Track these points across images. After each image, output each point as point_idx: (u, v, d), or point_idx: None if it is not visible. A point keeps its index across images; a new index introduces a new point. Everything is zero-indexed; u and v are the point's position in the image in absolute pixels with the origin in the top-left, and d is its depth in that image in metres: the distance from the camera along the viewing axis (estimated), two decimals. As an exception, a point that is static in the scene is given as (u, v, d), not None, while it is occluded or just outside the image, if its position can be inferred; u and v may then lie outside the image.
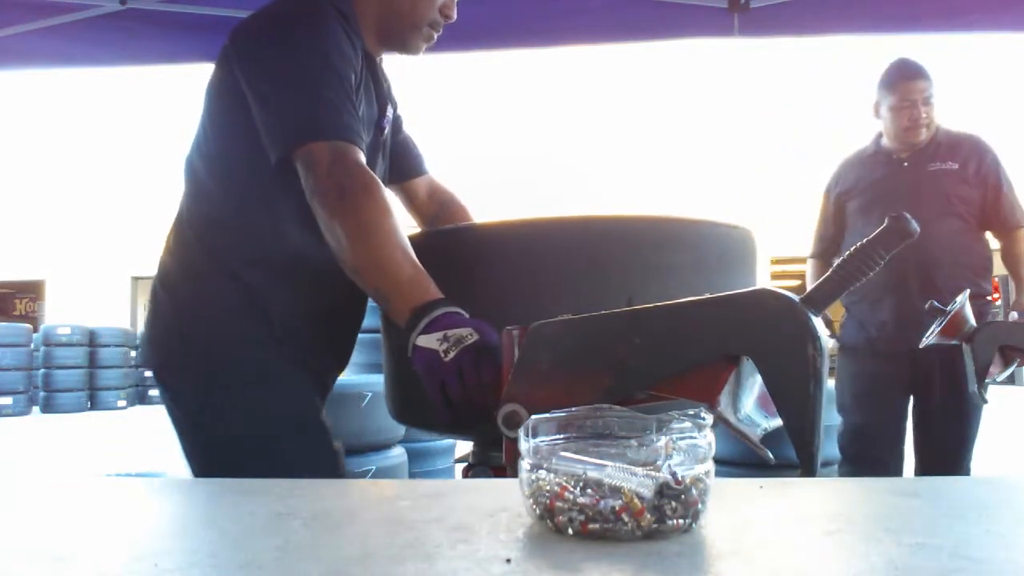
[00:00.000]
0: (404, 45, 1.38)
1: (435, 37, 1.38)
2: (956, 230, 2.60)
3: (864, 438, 2.77)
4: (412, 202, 1.63)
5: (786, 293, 0.76)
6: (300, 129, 1.18)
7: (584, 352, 0.82)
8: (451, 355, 0.98)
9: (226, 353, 1.28)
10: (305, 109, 1.19)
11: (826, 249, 2.93)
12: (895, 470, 2.70)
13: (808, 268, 3.05)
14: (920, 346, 1.84)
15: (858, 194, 2.78)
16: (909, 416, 2.75)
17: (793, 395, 0.72)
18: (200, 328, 1.29)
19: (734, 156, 14.74)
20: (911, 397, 2.72)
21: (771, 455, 0.76)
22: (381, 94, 1.39)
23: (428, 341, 1.01)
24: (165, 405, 1.33)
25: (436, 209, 1.62)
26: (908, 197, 2.60)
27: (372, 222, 1.12)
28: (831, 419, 2.88)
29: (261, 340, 1.28)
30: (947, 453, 2.66)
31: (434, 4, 1.34)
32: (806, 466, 0.71)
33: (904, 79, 2.66)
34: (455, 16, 1.37)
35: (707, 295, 0.80)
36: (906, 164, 2.69)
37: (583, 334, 0.82)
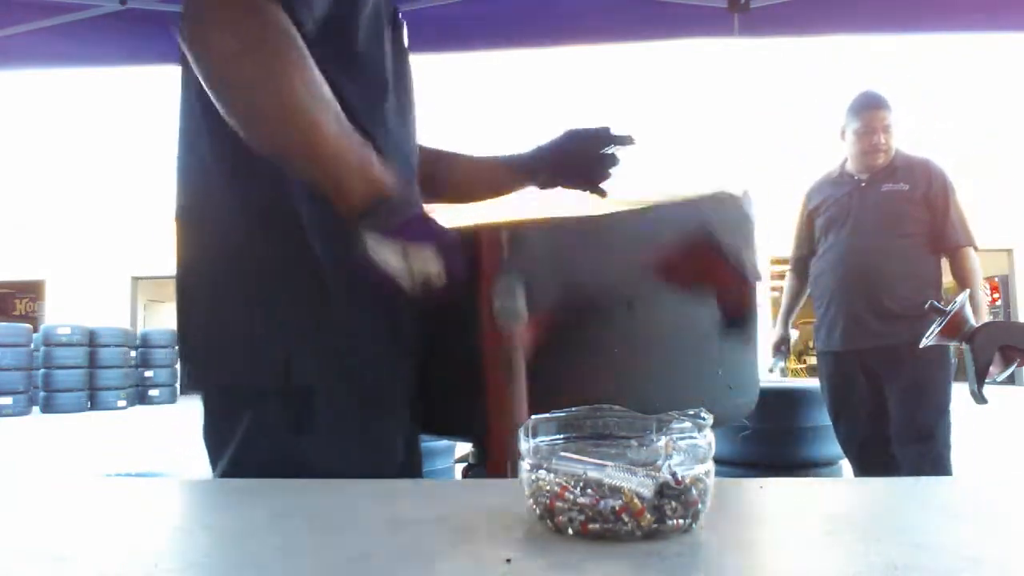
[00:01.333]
0: None
1: None
2: (905, 245, 2.82)
3: (855, 437, 2.89)
4: None
5: None
6: None
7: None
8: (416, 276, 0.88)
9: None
10: None
11: (799, 262, 3.16)
12: (896, 463, 2.76)
13: (786, 282, 3.25)
14: (920, 346, 1.92)
15: (823, 212, 3.02)
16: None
17: None
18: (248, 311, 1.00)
19: (734, 156, 14.73)
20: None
21: None
22: None
23: (387, 256, 0.86)
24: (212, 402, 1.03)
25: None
26: (862, 215, 2.86)
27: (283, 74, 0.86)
28: (825, 419, 2.95)
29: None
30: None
31: None
32: None
33: (867, 108, 2.90)
34: None
35: None
36: (863, 185, 2.92)
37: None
